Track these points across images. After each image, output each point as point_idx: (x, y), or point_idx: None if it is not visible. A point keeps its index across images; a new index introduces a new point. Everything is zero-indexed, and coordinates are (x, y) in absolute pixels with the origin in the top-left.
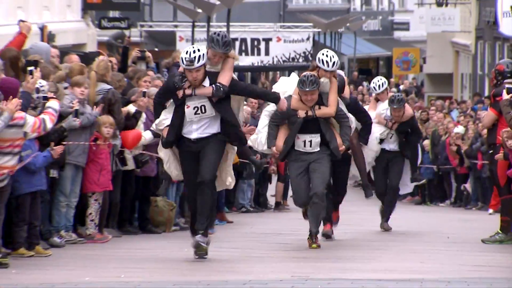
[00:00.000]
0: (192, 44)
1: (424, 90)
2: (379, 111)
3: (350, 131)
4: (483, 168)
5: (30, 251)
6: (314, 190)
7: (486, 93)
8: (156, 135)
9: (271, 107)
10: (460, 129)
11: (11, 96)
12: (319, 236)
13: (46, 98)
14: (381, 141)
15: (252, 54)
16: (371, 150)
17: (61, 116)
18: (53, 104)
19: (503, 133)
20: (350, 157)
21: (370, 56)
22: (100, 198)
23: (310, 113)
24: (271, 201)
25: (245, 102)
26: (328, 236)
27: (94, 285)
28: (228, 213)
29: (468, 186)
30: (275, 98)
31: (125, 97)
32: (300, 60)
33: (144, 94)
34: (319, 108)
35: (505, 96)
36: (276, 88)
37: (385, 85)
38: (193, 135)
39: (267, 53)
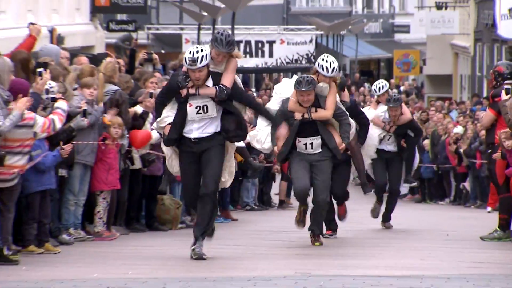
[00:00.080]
0: None
1: (424, 91)
2: (377, 113)
3: (349, 128)
4: (482, 167)
5: (40, 248)
6: (316, 198)
7: (485, 94)
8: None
9: (272, 107)
10: (459, 129)
11: (20, 95)
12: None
13: (54, 99)
14: (380, 141)
15: (256, 56)
16: (371, 146)
17: (70, 116)
18: (62, 104)
19: (500, 134)
20: (350, 158)
21: (371, 58)
22: (108, 197)
23: (306, 115)
24: (275, 199)
25: None
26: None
27: (102, 282)
28: (233, 211)
29: (467, 184)
30: (267, 117)
31: (133, 98)
32: (303, 62)
33: (151, 95)
34: (316, 110)
35: (504, 96)
36: (277, 88)
37: (386, 88)
38: (193, 135)
39: (271, 55)
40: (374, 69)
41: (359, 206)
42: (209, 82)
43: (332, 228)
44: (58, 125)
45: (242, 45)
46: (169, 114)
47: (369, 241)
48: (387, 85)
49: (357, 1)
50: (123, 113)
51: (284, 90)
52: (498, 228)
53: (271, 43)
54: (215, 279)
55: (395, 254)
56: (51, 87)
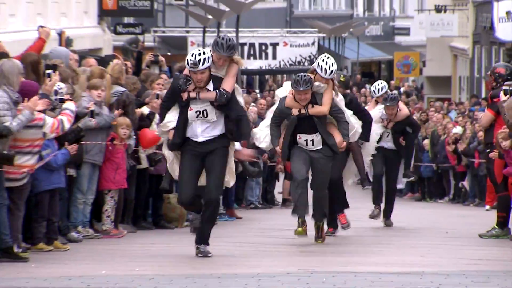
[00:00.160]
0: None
1: (423, 92)
2: (376, 111)
3: (348, 126)
4: (480, 167)
5: (49, 245)
6: (314, 193)
7: (483, 95)
8: None
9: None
10: (458, 129)
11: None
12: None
13: (62, 100)
14: (380, 138)
15: (260, 58)
16: (370, 145)
17: (78, 117)
18: (70, 105)
19: (498, 135)
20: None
21: (372, 60)
22: (116, 195)
23: (303, 111)
24: (279, 198)
25: (253, 104)
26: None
27: (109, 278)
28: (237, 209)
29: (466, 183)
30: (241, 136)
31: (139, 99)
32: (306, 63)
33: (157, 96)
34: (312, 106)
35: (502, 97)
36: (279, 92)
37: (385, 89)
38: (200, 139)
39: (274, 57)
40: (375, 71)
41: (361, 205)
42: (210, 86)
43: (333, 225)
44: (67, 125)
45: (246, 48)
46: (171, 119)
47: (370, 239)
48: (386, 86)
49: (358, 4)
50: (130, 113)
51: (284, 93)
52: (496, 226)
53: (274, 45)
54: (220, 276)
55: (396, 251)
56: (59, 89)
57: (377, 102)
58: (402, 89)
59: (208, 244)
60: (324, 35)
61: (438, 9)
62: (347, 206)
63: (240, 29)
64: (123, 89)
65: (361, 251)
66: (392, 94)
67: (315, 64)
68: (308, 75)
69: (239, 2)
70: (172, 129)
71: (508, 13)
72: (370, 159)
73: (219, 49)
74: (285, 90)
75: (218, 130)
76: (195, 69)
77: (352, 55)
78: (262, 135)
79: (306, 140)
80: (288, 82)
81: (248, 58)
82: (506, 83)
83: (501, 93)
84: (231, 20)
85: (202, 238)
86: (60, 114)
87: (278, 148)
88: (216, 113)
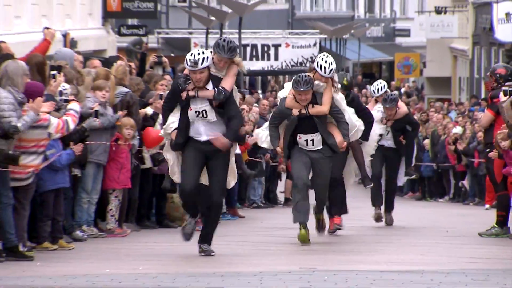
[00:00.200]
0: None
1: (424, 93)
2: (375, 111)
3: (347, 126)
4: (480, 166)
5: (54, 244)
6: (316, 195)
7: (483, 96)
8: None
9: (276, 108)
10: (458, 129)
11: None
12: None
13: (67, 101)
14: (380, 136)
15: (263, 59)
16: (370, 144)
17: (82, 117)
18: (74, 106)
19: (497, 135)
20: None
21: (373, 61)
22: (120, 195)
23: (303, 111)
24: (281, 197)
25: (255, 104)
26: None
27: (114, 277)
28: (240, 208)
29: (465, 183)
30: (232, 135)
31: (143, 99)
32: (308, 64)
33: (160, 97)
34: (313, 106)
35: (502, 98)
36: (281, 94)
37: (385, 89)
38: (203, 138)
39: (276, 58)
40: (376, 72)
41: (362, 204)
42: (209, 86)
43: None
44: (71, 125)
45: (248, 49)
46: (174, 120)
47: (371, 238)
48: (386, 86)
49: (359, 6)
50: (134, 114)
51: (285, 95)
52: (495, 225)
53: (276, 46)
54: (223, 274)
55: (397, 250)
56: (64, 89)
57: (376, 102)
58: (402, 90)
59: (210, 244)
60: (326, 36)
61: (438, 11)
62: (345, 211)
63: (242, 31)
64: (127, 89)
65: (362, 249)
66: (391, 95)
67: (314, 63)
68: (308, 75)
69: (241, 4)
70: (175, 129)
71: (507, 14)
72: (369, 160)
73: (220, 51)
74: (286, 91)
75: (220, 130)
76: (194, 68)
77: (353, 56)
78: (264, 134)
79: (306, 140)
80: (288, 83)
81: (251, 59)
82: (508, 83)
83: (501, 94)
84: (233, 22)
85: (206, 239)
86: (65, 115)
87: (278, 149)
88: (216, 113)
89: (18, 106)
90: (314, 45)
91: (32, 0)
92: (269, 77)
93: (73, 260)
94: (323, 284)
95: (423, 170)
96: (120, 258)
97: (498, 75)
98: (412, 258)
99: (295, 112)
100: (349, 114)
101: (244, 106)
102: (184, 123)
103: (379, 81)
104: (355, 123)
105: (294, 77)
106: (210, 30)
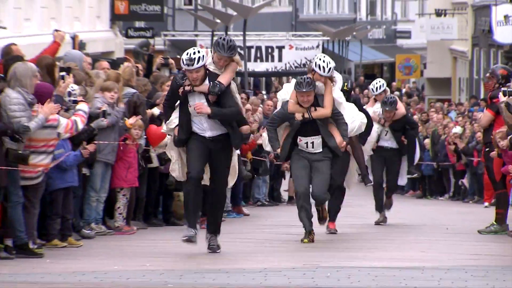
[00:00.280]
0: None
1: (424, 93)
2: (373, 110)
3: (347, 127)
4: (479, 165)
5: (63, 242)
6: (313, 193)
7: (482, 96)
8: None
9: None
10: (458, 129)
11: (48, 99)
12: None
13: (76, 102)
14: (378, 138)
15: (267, 60)
16: (369, 143)
17: (91, 118)
18: (83, 106)
19: (496, 134)
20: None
21: (375, 62)
22: (128, 193)
23: (306, 115)
24: (285, 195)
25: (260, 105)
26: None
27: (121, 273)
28: (244, 206)
29: (465, 181)
30: (224, 116)
31: (150, 100)
32: None
33: None
34: (315, 109)
35: (502, 98)
36: (280, 95)
37: (383, 87)
38: (207, 134)
39: (280, 59)
40: (378, 73)
41: (364, 202)
42: (207, 83)
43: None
44: (80, 126)
45: (253, 50)
46: (176, 115)
47: (373, 235)
48: (385, 84)
49: (361, 8)
50: (141, 114)
51: (285, 95)
52: (494, 222)
53: (280, 48)
54: (229, 270)
55: (398, 247)
56: (73, 90)
57: (376, 100)
58: (403, 90)
59: (219, 233)
60: (328, 38)
61: (438, 13)
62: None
63: (247, 33)
64: (134, 90)
65: (365, 247)
66: (391, 97)
67: (312, 64)
68: (310, 77)
69: (246, 6)
70: (178, 125)
71: (506, 17)
72: (368, 159)
73: (220, 50)
74: (286, 92)
75: (223, 128)
76: (190, 67)
77: (355, 58)
78: (266, 138)
79: (307, 143)
80: (288, 84)
81: (255, 60)
82: (509, 84)
83: (500, 94)
84: (238, 24)
85: (214, 226)
86: (74, 115)
87: (279, 150)
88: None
89: (28, 106)
90: (317, 47)
91: (42, 3)
92: (273, 78)
93: (82, 257)
94: (326, 280)
95: (423, 169)
96: (127, 255)
97: (500, 76)
98: (413, 255)
99: (299, 117)
100: (348, 111)
101: (248, 106)
102: (185, 119)
103: (378, 79)
104: (356, 121)
105: (296, 79)
106: (215, 32)
